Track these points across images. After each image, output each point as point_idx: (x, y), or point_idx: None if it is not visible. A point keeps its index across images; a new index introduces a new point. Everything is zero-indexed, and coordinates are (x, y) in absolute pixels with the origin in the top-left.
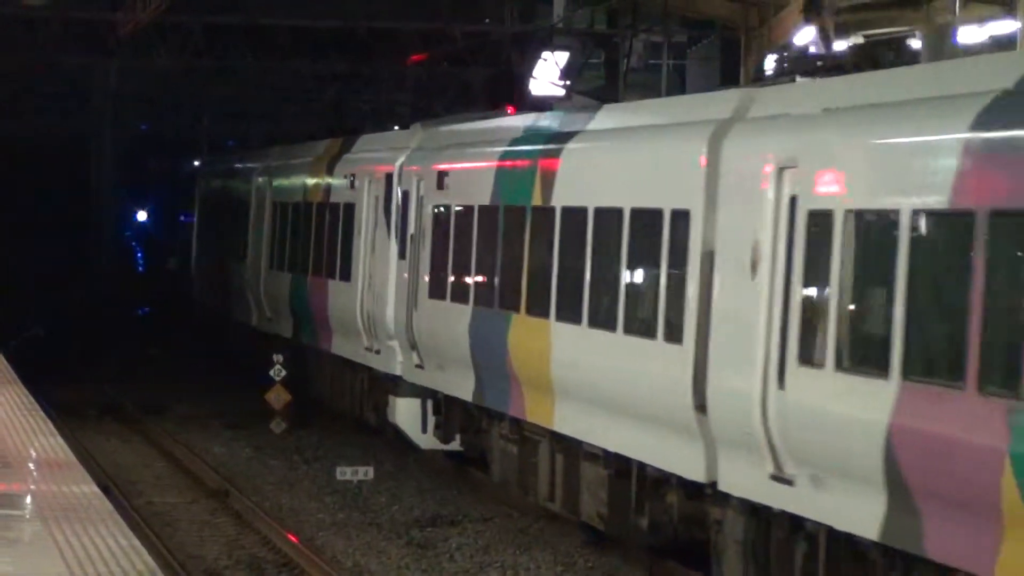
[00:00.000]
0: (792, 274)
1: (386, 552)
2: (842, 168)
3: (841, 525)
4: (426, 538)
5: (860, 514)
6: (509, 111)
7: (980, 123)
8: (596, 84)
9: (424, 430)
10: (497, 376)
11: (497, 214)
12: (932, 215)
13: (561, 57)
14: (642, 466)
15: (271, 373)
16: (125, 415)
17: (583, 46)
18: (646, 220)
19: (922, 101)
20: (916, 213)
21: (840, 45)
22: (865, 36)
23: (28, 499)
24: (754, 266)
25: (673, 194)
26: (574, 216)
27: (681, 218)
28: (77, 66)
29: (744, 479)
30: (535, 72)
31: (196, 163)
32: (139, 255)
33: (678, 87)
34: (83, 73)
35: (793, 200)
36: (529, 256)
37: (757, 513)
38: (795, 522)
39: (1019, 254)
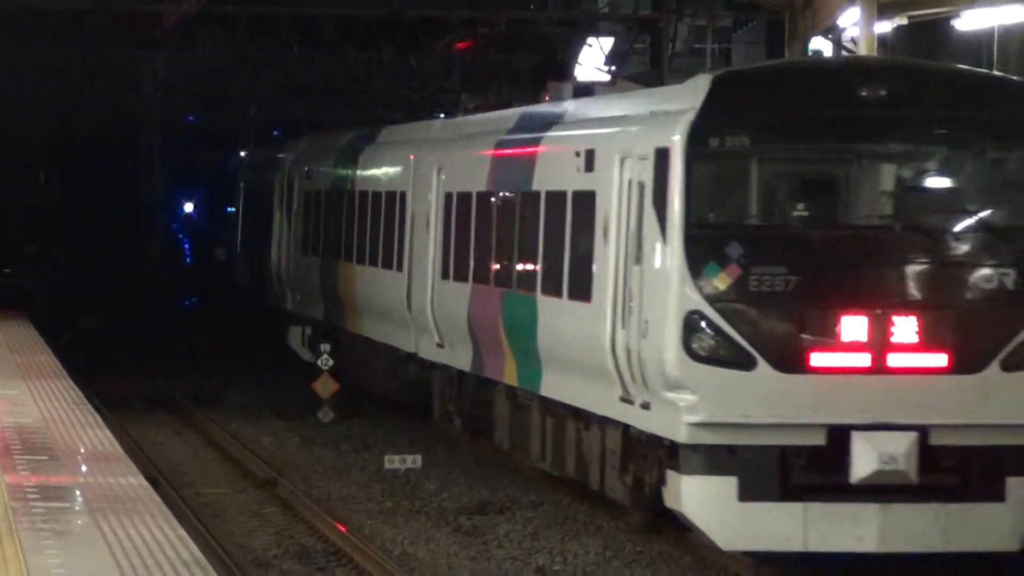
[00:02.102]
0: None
1: (434, 540)
2: (454, 168)
3: (459, 365)
4: (474, 525)
5: (464, 358)
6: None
7: (497, 145)
8: (641, 69)
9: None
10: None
11: (490, 199)
12: (479, 194)
13: (606, 43)
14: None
15: (318, 362)
16: (174, 406)
17: (628, 31)
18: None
19: (477, 134)
20: (478, 193)
21: (884, 26)
22: (909, 17)
23: (77, 492)
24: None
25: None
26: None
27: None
28: (125, 59)
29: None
30: (580, 58)
31: (242, 154)
32: (186, 246)
33: None
34: (131, 66)
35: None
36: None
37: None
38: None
39: (514, 215)
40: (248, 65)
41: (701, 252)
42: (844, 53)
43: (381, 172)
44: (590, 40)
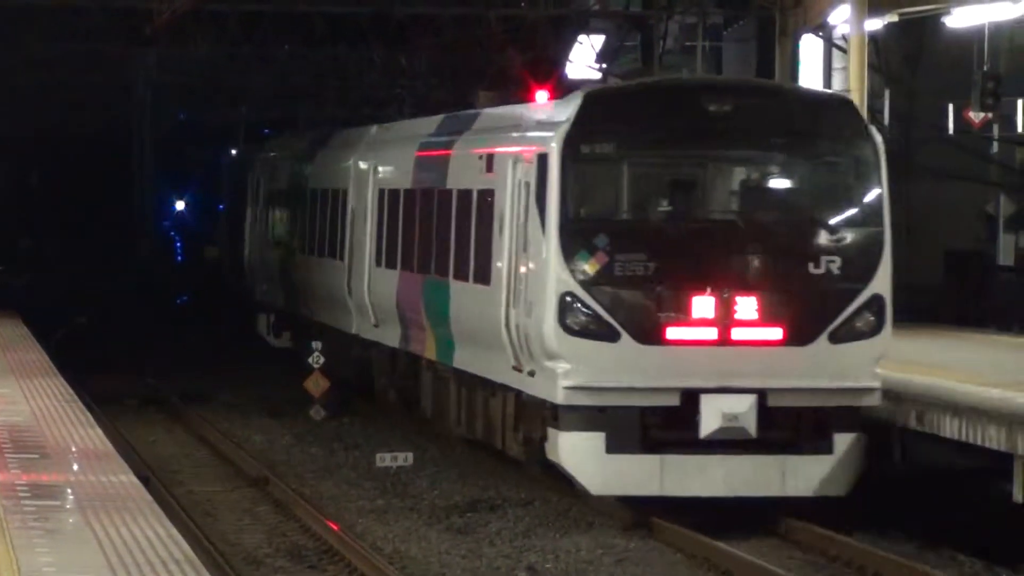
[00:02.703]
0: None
1: (426, 537)
2: (386, 168)
3: (390, 343)
4: (466, 523)
5: (393, 336)
6: (546, 95)
7: (419, 148)
8: (632, 67)
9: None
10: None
11: (414, 196)
12: (405, 191)
13: (597, 40)
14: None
15: (309, 360)
16: (166, 404)
17: (619, 29)
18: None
19: (405, 138)
20: (404, 190)
21: (875, 24)
22: (900, 15)
23: (68, 490)
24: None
25: None
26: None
27: None
28: (117, 56)
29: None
30: (571, 56)
31: (233, 152)
32: (178, 244)
33: (714, 69)
34: (123, 63)
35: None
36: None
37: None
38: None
39: (432, 210)
40: (239, 63)
41: (574, 242)
42: (834, 48)
43: (328, 171)
44: (581, 37)
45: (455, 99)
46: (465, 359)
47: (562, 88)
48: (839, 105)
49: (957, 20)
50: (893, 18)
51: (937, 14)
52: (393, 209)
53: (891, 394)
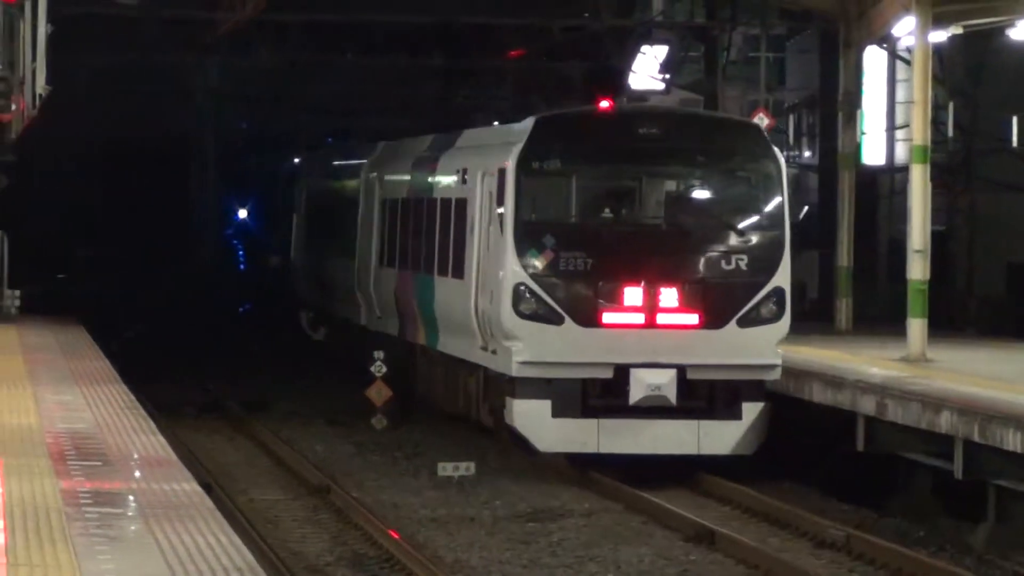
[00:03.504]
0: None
1: (488, 547)
2: (388, 180)
3: (391, 332)
4: (527, 533)
5: (392, 326)
6: (608, 105)
7: (412, 164)
8: (695, 78)
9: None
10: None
11: (409, 205)
12: (403, 200)
13: (660, 51)
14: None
15: (372, 369)
16: (227, 412)
17: (682, 40)
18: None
19: (403, 155)
20: (402, 200)
21: (939, 36)
22: (964, 27)
23: (130, 497)
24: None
25: None
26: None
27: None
28: (179, 65)
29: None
30: (634, 66)
31: (289, 162)
32: (240, 253)
33: (777, 79)
34: (185, 72)
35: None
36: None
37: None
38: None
39: (422, 217)
40: (301, 71)
41: (526, 242)
42: (899, 60)
43: (345, 184)
44: (644, 48)
45: (517, 109)
46: (447, 343)
47: (624, 98)
48: (748, 129)
49: (1021, 32)
50: (957, 30)
51: (1001, 26)
52: (393, 216)
53: (959, 407)
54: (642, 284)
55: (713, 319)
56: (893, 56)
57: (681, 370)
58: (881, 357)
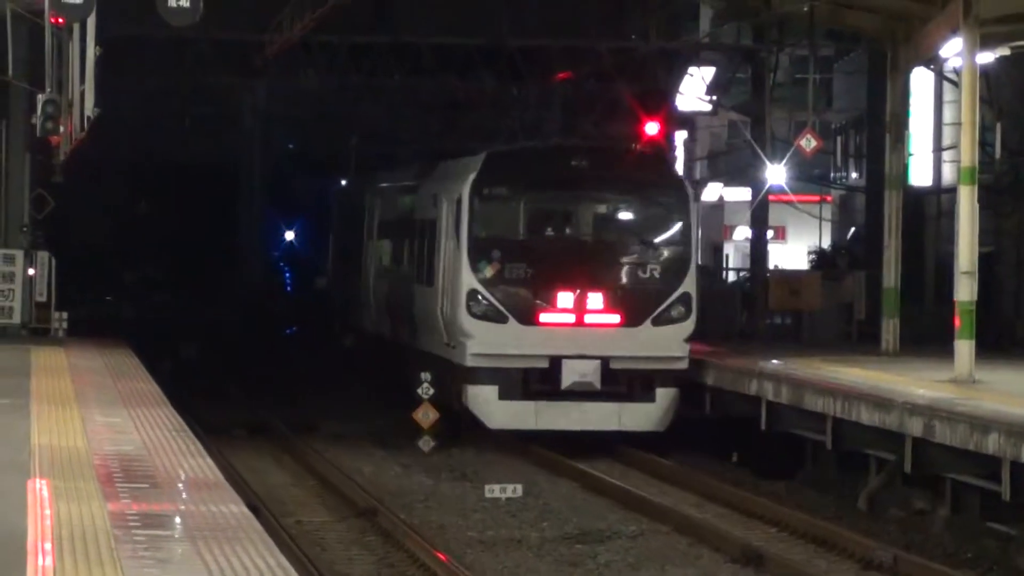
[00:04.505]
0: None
1: (535, 569)
2: (383, 203)
3: (384, 333)
4: (575, 555)
5: (387, 330)
6: (656, 127)
7: (400, 189)
8: (743, 99)
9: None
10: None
11: (397, 224)
12: (391, 220)
13: (707, 72)
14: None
15: (419, 391)
16: (274, 434)
17: (729, 61)
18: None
19: (395, 180)
20: (391, 220)
21: (986, 57)
22: (1012, 48)
23: (177, 519)
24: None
25: None
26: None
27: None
28: (226, 87)
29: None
30: (682, 88)
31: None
32: (287, 275)
33: (824, 101)
34: (232, 94)
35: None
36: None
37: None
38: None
39: (405, 235)
40: (349, 93)
41: (477, 255)
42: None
43: (356, 205)
44: (691, 70)
45: (564, 131)
46: (424, 341)
47: (673, 120)
48: (661, 160)
49: None
50: (1005, 51)
51: None
52: (384, 234)
53: (1007, 428)
54: (573, 290)
55: (631, 319)
56: (940, 77)
57: (605, 361)
58: (929, 378)
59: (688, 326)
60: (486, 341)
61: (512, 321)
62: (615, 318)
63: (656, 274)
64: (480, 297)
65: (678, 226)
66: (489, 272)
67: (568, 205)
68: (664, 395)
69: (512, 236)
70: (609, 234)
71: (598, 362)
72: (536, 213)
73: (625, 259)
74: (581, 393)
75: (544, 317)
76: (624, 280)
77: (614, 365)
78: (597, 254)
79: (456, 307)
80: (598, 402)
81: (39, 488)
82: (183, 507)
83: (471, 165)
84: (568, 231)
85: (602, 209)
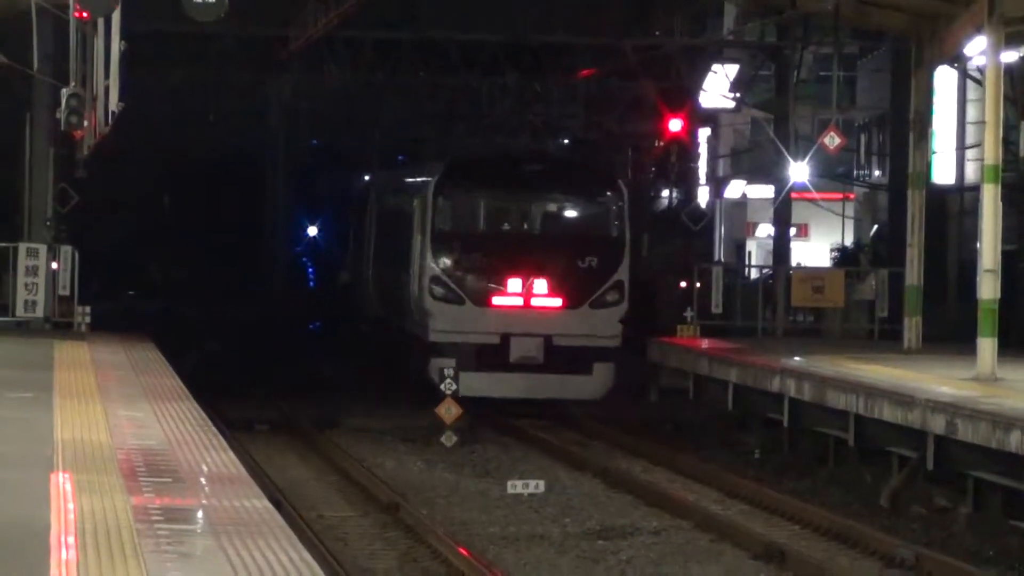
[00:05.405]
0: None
1: (557, 565)
2: (379, 199)
3: (374, 314)
4: (597, 551)
5: (376, 310)
6: (679, 124)
7: (392, 186)
8: (766, 96)
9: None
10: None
11: (388, 217)
12: (385, 213)
13: (731, 70)
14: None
15: (442, 387)
16: (297, 429)
17: (753, 59)
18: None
19: (391, 179)
20: (384, 213)
21: (1010, 56)
22: None
23: (200, 513)
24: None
25: None
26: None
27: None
28: (250, 82)
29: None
30: (705, 85)
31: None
32: (310, 270)
33: (848, 98)
34: (256, 89)
35: (374, 210)
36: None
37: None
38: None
39: (393, 227)
40: (373, 89)
41: (439, 245)
42: (970, 80)
43: (369, 201)
44: (715, 67)
45: (587, 127)
46: (407, 323)
47: (696, 117)
48: (602, 169)
49: None
50: None
51: None
52: (378, 226)
53: None
54: (521, 276)
55: (572, 302)
56: (964, 76)
57: (548, 339)
58: (951, 376)
59: (621, 309)
60: (446, 320)
61: (468, 303)
62: (558, 301)
63: (594, 264)
64: (442, 282)
65: (614, 222)
66: (449, 260)
67: (519, 204)
68: (600, 369)
69: (470, 230)
70: (554, 229)
71: (542, 339)
72: (491, 210)
73: (567, 250)
74: (528, 366)
75: (496, 300)
76: (566, 268)
77: (557, 342)
78: (543, 246)
79: (422, 290)
80: (542, 374)
81: (62, 482)
82: (206, 501)
83: (437, 168)
84: (518, 226)
85: (548, 208)
